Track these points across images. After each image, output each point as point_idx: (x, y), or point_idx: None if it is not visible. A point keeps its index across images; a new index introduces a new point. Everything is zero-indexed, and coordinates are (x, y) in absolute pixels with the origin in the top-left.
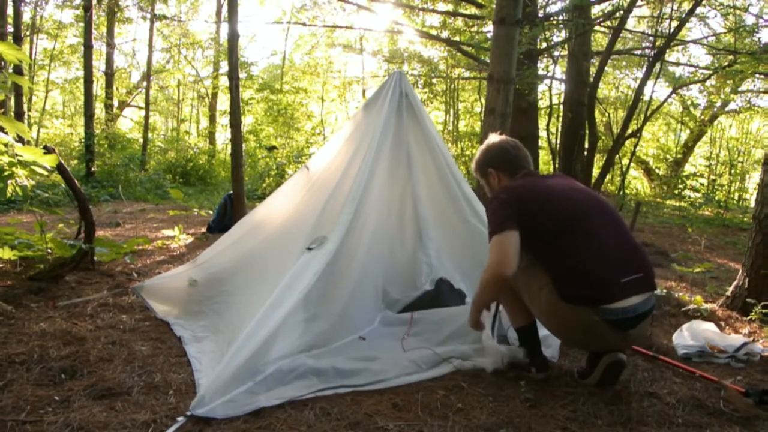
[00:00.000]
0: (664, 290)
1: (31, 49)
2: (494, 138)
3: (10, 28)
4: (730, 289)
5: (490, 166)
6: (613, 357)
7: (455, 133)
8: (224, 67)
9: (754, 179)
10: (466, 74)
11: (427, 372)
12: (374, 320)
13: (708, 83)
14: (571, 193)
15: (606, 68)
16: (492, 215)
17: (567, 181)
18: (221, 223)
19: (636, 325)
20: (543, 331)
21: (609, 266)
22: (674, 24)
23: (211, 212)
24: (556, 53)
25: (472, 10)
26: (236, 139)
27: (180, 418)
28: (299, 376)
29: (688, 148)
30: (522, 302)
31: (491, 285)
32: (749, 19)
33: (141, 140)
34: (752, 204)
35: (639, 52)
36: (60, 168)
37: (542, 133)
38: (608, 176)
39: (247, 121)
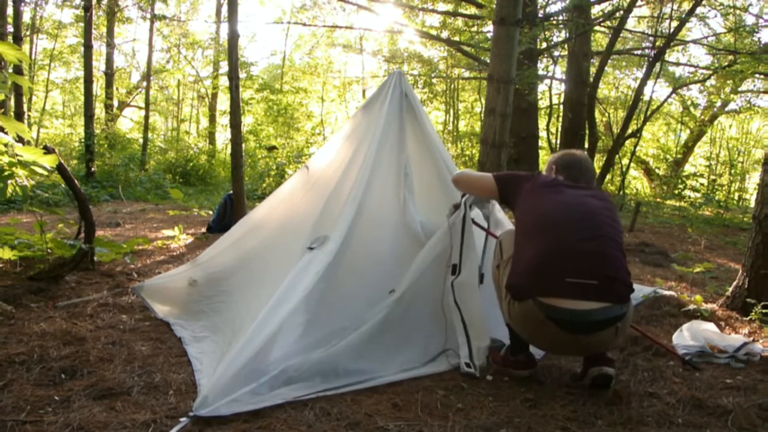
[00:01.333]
0: (656, 292)
1: (31, 49)
2: (579, 152)
3: (10, 28)
4: (730, 289)
5: (556, 164)
6: (598, 371)
7: (455, 133)
8: (224, 67)
9: (754, 179)
10: (466, 74)
11: (424, 368)
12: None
13: (708, 83)
14: (567, 201)
15: (606, 68)
16: (511, 171)
17: (584, 192)
18: (221, 223)
19: (590, 332)
20: None
21: (554, 263)
22: (674, 24)
23: (211, 212)
24: (556, 53)
25: (472, 10)
26: (236, 139)
27: (183, 419)
28: (304, 378)
29: (688, 148)
30: None
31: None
32: (749, 19)
33: (141, 140)
34: (752, 204)
35: (639, 52)
36: (60, 168)
37: (542, 133)
38: (608, 176)
39: (247, 121)
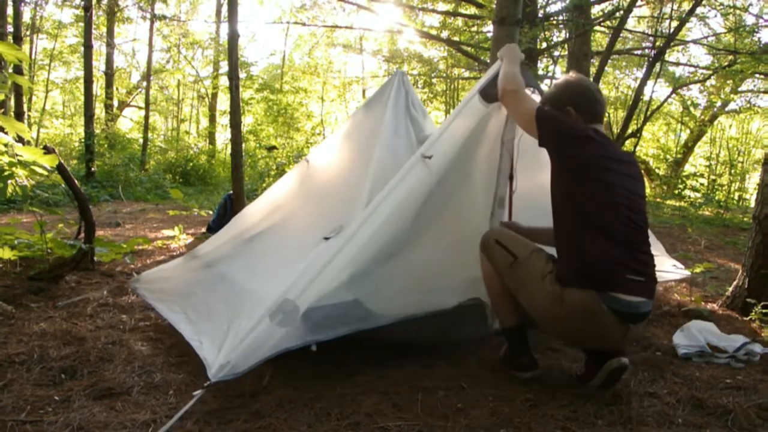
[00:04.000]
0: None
1: (31, 49)
2: (575, 75)
3: (10, 28)
4: (730, 289)
5: (570, 104)
6: (618, 363)
7: None
8: (224, 67)
9: (754, 179)
10: (466, 74)
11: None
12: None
13: (708, 83)
14: (619, 194)
15: (606, 68)
16: (556, 114)
17: (625, 170)
18: (221, 223)
19: (637, 322)
20: None
21: (620, 261)
22: (674, 24)
23: (211, 212)
24: (556, 53)
25: (472, 10)
26: (236, 139)
27: (196, 392)
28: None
29: (688, 148)
30: (514, 302)
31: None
32: (749, 19)
33: (141, 140)
34: (752, 204)
35: (639, 52)
36: (60, 168)
37: None
38: None
39: (247, 121)
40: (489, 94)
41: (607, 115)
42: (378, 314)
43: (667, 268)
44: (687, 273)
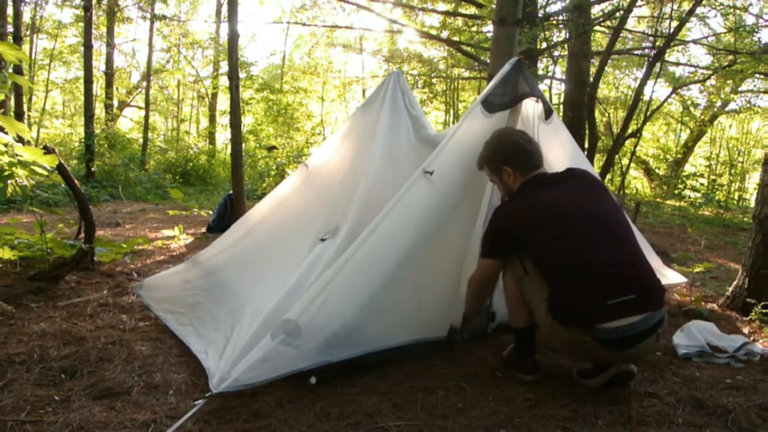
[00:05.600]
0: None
1: (31, 49)
2: (504, 131)
3: (10, 28)
4: (730, 289)
5: (506, 163)
6: (625, 366)
7: None
8: (224, 67)
9: (754, 179)
10: (466, 74)
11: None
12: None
13: (708, 83)
14: (573, 206)
15: (606, 68)
16: (488, 235)
17: (576, 186)
18: (221, 223)
19: (636, 344)
20: None
21: (593, 290)
22: (674, 24)
23: (211, 212)
24: (556, 53)
25: (472, 10)
26: (236, 139)
27: (198, 402)
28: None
29: (688, 148)
30: (527, 304)
31: (476, 294)
32: (749, 19)
33: (141, 140)
34: (752, 204)
35: (639, 52)
36: (60, 168)
37: None
38: (608, 176)
39: (247, 121)
40: (492, 103)
41: (607, 115)
42: (379, 339)
43: (667, 274)
44: (684, 280)
